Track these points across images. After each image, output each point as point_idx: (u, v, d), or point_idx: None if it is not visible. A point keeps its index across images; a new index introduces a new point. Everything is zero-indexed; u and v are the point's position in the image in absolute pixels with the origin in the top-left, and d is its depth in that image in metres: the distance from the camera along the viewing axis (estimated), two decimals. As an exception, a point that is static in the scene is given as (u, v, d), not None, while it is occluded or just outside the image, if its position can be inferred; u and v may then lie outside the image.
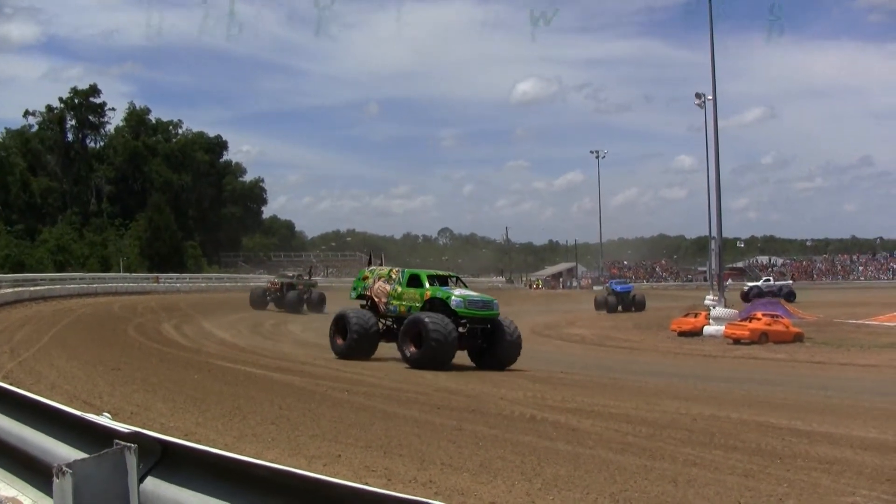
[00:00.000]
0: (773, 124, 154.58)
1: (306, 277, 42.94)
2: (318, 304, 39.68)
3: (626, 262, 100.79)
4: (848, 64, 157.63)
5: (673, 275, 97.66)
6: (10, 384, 5.62)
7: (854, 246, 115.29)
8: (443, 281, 19.30)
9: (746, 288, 54.74)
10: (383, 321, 19.37)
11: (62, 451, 3.78)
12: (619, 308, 48.10)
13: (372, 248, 46.93)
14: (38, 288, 36.98)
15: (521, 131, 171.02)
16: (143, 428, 3.66)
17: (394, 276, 19.34)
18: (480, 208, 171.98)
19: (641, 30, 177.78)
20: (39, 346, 18.02)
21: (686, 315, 33.71)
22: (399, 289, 18.97)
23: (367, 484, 3.64)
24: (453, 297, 17.97)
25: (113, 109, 79.20)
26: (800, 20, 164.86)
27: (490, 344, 18.28)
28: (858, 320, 35.38)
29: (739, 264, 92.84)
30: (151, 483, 3.31)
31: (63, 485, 3.20)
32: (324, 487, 2.72)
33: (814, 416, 11.54)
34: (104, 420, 3.82)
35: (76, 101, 76.15)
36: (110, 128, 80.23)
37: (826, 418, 11.33)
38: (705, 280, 51.32)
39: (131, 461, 3.30)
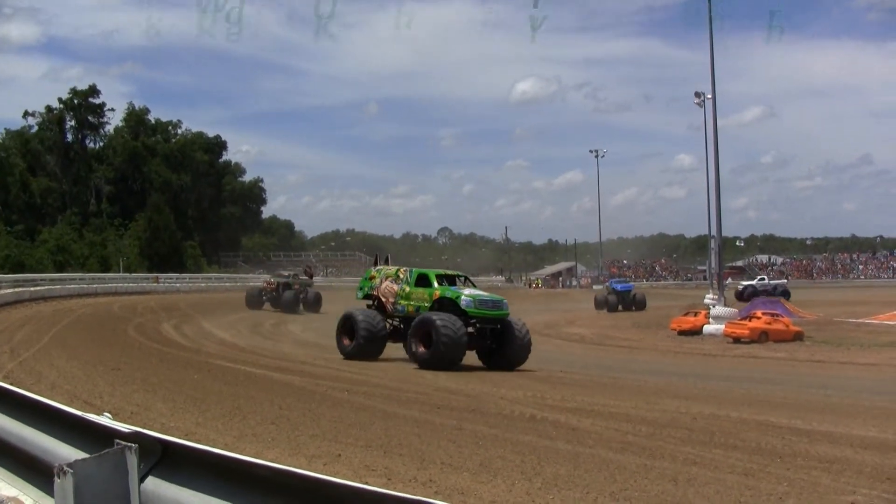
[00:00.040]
0: (773, 123, 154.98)
1: (303, 277, 42.88)
2: (315, 303, 39.61)
3: (625, 262, 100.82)
4: (847, 63, 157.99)
5: (672, 274, 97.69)
6: (11, 384, 5.62)
7: (854, 245, 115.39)
8: (451, 280, 19.21)
9: (741, 287, 54.67)
10: (390, 321, 19.21)
11: (63, 451, 3.79)
12: (620, 307, 48.07)
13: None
14: (38, 288, 36.97)
15: (520, 131, 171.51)
16: (144, 428, 3.66)
17: (401, 276, 19.18)
18: (480, 208, 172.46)
19: (641, 29, 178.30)
20: (40, 346, 18.02)
21: (686, 314, 33.71)
22: (407, 288, 18.82)
23: (367, 483, 3.65)
24: (463, 297, 17.85)
25: (112, 110, 79.46)
26: (799, 19, 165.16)
27: (499, 344, 18.12)
28: (858, 319, 35.38)
29: (739, 263, 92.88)
30: (152, 483, 3.31)
31: (64, 484, 3.21)
32: (324, 487, 2.72)
33: (814, 414, 11.54)
34: (105, 420, 3.82)
35: (76, 101, 76.21)
36: (110, 128, 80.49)
37: (826, 417, 11.34)
38: (705, 279, 51.30)
39: (132, 461, 3.31)
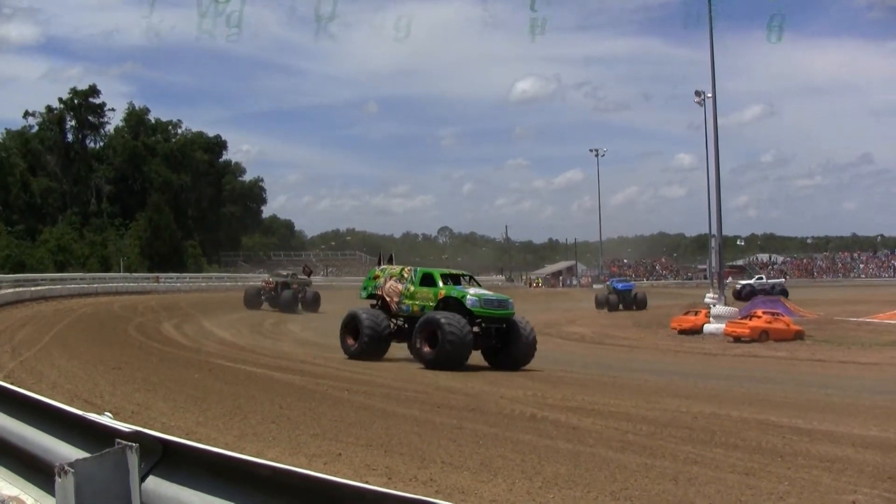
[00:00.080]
0: (773, 122, 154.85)
1: (301, 276, 42.87)
2: (313, 303, 39.55)
3: (625, 261, 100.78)
4: (848, 61, 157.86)
5: (673, 273, 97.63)
6: (12, 384, 5.63)
7: (854, 244, 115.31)
8: (456, 280, 19.10)
9: (739, 286, 54.59)
10: (394, 321, 19.10)
11: (64, 451, 3.79)
12: (621, 306, 48.03)
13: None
14: (38, 288, 36.98)
15: (520, 130, 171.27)
16: (145, 427, 3.66)
17: (406, 276, 19.06)
18: (480, 207, 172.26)
19: (640, 28, 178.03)
20: (40, 345, 18.02)
21: (686, 313, 33.70)
22: (412, 288, 18.70)
23: (367, 482, 3.65)
24: (469, 297, 17.75)
25: (112, 110, 79.51)
26: (799, 18, 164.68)
27: (505, 344, 18.04)
28: (859, 318, 35.34)
29: (740, 262, 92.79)
30: (153, 482, 3.31)
31: (65, 484, 3.21)
32: (325, 486, 2.72)
33: (814, 414, 11.54)
34: (105, 419, 3.82)
35: (76, 101, 76.24)
36: (110, 128, 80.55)
37: (827, 416, 11.33)
38: (705, 278, 51.28)
39: (133, 460, 3.31)
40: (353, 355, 18.29)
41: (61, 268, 51.81)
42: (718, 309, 32.04)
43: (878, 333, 29.20)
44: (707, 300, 34.47)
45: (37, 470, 4.00)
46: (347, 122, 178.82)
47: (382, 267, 20.21)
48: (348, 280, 68.43)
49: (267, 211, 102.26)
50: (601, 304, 49.21)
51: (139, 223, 67.82)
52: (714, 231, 35.77)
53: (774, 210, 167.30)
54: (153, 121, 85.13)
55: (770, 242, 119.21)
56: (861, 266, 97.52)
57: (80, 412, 3.98)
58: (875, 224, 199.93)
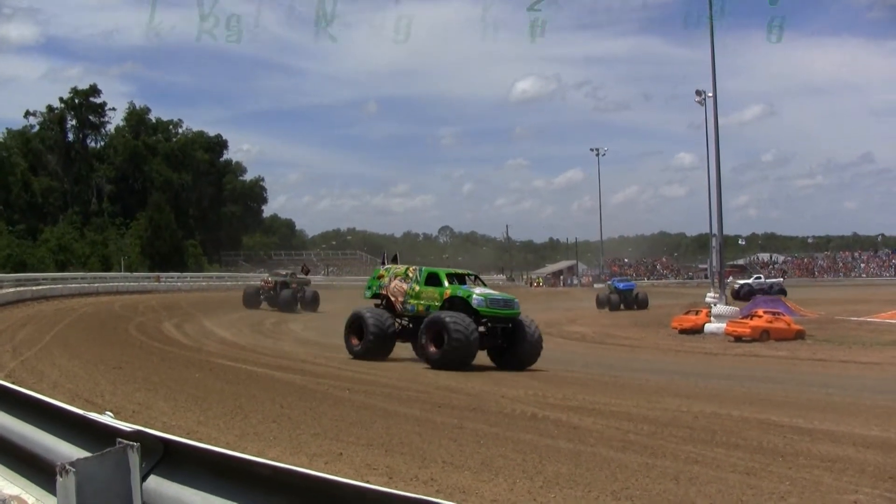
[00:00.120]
0: (773, 122, 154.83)
1: (301, 276, 42.85)
2: (312, 302, 39.51)
3: (626, 260, 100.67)
4: (848, 61, 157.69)
5: (674, 272, 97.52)
6: (13, 383, 5.62)
7: (855, 243, 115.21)
8: (461, 279, 19.05)
9: (737, 286, 54.54)
10: (399, 321, 19.02)
11: (65, 450, 3.79)
12: (622, 306, 48.02)
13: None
14: (39, 287, 37.00)
15: (520, 129, 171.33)
16: (146, 426, 3.66)
17: (411, 275, 18.98)
18: (480, 206, 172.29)
19: (640, 27, 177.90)
20: (41, 345, 18.03)
21: (687, 312, 33.69)
22: (417, 287, 18.61)
23: (368, 482, 3.65)
24: (474, 296, 17.68)
25: (113, 109, 79.56)
26: (799, 17, 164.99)
27: (510, 343, 17.97)
28: (860, 318, 35.33)
29: (740, 262, 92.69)
30: (154, 481, 3.32)
31: (66, 483, 3.21)
32: (326, 486, 2.72)
33: (815, 413, 11.53)
34: (106, 419, 3.83)
35: (76, 101, 76.26)
36: (110, 127, 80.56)
37: (828, 416, 11.32)
38: (706, 278, 51.29)
39: (134, 460, 3.31)
40: (357, 355, 18.21)
41: (62, 267, 51.84)
42: (719, 308, 32.05)
43: (880, 333, 29.19)
44: (708, 299, 34.48)
45: (38, 469, 4.00)
46: (348, 122, 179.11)
47: (387, 266, 20.16)
48: (349, 279, 68.44)
49: (267, 210, 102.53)
50: (602, 303, 49.19)
51: (140, 222, 67.86)
52: (715, 230, 35.78)
53: (775, 209, 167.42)
54: (154, 120, 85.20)
55: (771, 242, 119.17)
56: (862, 265, 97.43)
57: (81, 411, 3.98)
58: (876, 223, 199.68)
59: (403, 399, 11.98)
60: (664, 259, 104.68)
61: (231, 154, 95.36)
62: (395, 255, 21.95)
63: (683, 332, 31.34)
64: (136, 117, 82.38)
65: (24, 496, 4.08)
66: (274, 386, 13.06)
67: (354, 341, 18.55)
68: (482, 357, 18.04)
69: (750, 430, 9.75)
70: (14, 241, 54.43)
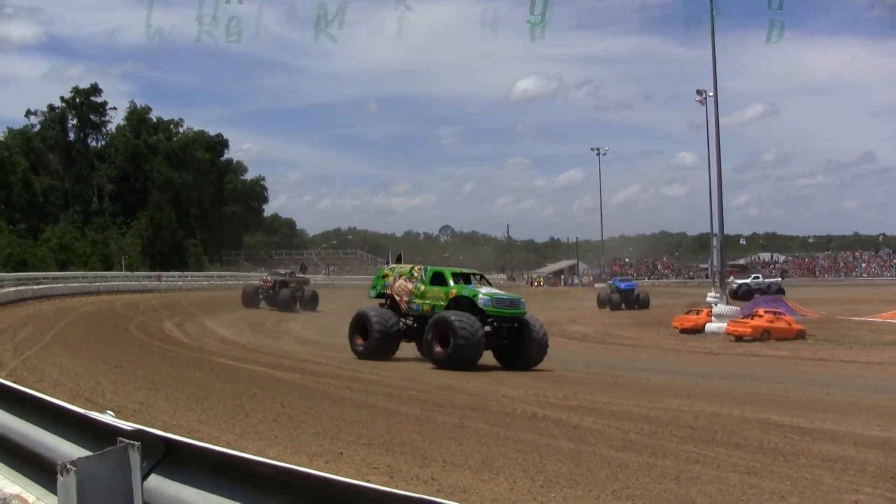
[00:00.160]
0: (774, 121, 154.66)
1: (300, 275, 42.83)
2: (311, 301, 39.50)
3: (627, 260, 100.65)
4: (849, 60, 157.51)
5: (674, 272, 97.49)
6: (14, 382, 5.63)
7: (856, 243, 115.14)
8: (466, 279, 18.95)
9: (735, 285, 54.48)
10: (404, 320, 18.94)
11: (66, 449, 3.79)
12: (623, 306, 47.99)
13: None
14: (40, 286, 37.04)
15: (521, 129, 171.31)
16: (146, 426, 3.66)
17: (416, 274, 18.89)
18: (481, 206, 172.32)
19: (641, 27, 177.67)
20: (42, 344, 18.04)
21: (688, 312, 33.66)
22: (422, 287, 18.52)
23: (368, 481, 3.65)
24: (480, 296, 17.58)
25: (114, 108, 79.66)
26: (800, 16, 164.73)
27: (516, 343, 17.87)
28: (861, 317, 35.29)
29: (741, 261, 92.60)
30: (155, 480, 3.32)
31: (67, 482, 3.21)
32: (327, 485, 2.72)
33: (816, 413, 11.52)
34: (107, 418, 3.83)
35: (77, 100, 76.31)
36: (111, 127, 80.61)
37: (828, 416, 11.31)
38: (707, 277, 51.28)
39: (134, 459, 3.31)
40: (362, 355, 18.13)
41: (63, 266, 51.89)
42: (720, 308, 32.00)
43: (881, 333, 29.15)
44: (709, 299, 34.47)
45: (39, 468, 4.01)
46: (348, 122, 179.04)
47: (392, 266, 20.11)
48: (349, 279, 68.44)
49: (268, 210, 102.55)
50: (603, 303, 49.16)
51: (141, 222, 67.90)
52: (716, 230, 35.74)
53: (776, 209, 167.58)
54: (154, 119, 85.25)
55: (772, 241, 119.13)
56: (863, 265, 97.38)
57: (82, 410, 3.98)
58: (877, 223, 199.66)
59: (404, 398, 11.98)
60: (665, 259, 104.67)
61: (232, 153, 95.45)
62: (400, 255, 21.89)
63: (684, 331, 31.31)
64: (137, 116, 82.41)
65: (25, 495, 4.08)
66: (274, 385, 13.07)
67: (359, 341, 18.47)
68: (486, 356, 18.00)
69: (751, 430, 9.74)
70: (15, 241, 54.48)
